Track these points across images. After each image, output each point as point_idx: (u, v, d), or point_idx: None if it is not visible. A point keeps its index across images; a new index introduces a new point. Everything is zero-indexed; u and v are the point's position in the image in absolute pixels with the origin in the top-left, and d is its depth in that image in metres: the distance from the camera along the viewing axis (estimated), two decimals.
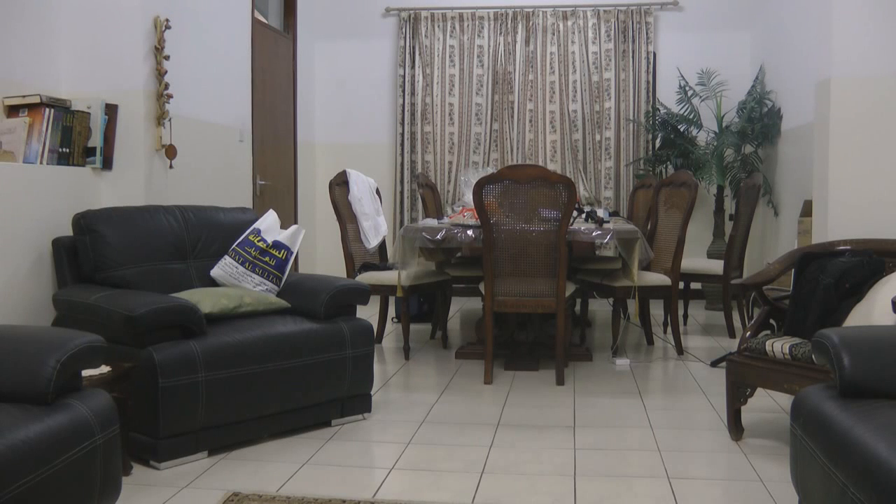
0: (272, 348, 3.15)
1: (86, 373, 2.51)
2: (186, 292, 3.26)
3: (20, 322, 3.24)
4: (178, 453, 2.93)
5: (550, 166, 6.84)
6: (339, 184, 4.99)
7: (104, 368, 2.76)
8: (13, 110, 3.52)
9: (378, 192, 5.29)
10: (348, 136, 7.31)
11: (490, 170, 5.22)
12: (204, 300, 3.17)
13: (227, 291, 3.36)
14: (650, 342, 5.16)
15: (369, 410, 3.55)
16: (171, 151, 4.03)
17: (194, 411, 2.93)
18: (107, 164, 3.81)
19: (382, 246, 5.24)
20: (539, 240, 4.13)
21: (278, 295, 3.53)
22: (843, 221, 3.75)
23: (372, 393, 3.61)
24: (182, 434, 2.92)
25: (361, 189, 5.05)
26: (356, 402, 3.48)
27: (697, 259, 5.86)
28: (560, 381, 4.13)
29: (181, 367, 2.88)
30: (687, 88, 6.59)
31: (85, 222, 3.33)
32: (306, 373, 3.24)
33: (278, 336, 3.19)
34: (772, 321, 3.37)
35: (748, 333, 3.29)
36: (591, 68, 6.93)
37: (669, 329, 5.04)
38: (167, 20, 3.94)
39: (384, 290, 4.76)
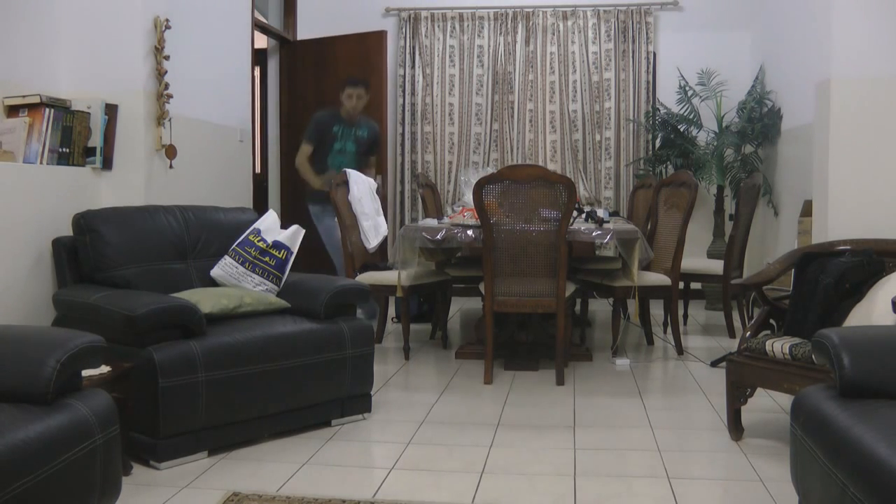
0: (272, 348, 3.15)
1: (86, 373, 2.51)
2: (186, 292, 3.27)
3: (20, 322, 3.24)
4: (178, 453, 2.92)
5: (550, 166, 6.84)
6: (339, 184, 4.99)
7: (104, 368, 2.76)
8: (13, 110, 3.52)
9: (378, 191, 5.29)
10: None
11: (490, 170, 5.22)
12: (204, 300, 3.17)
13: (227, 291, 3.36)
14: (650, 342, 5.16)
15: (369, 410, 3.55)
16: (171, 151, 4.03)
17: (194, 411, 2.92)
18: (107, 164, 3.81)
19: (383, 246, 5.24)
20: (539, 240, 4.13)
21: (278, 295, 3.53)
22: (843, 221, 3.75)
23: (372, 393, 3.61)
24: (182, 434, 2.92)
25: (361, 189, 5.05)
26: (356, 402, 3.48)
27: (697, 259, 5.86)
28: (560, 381, 4.13)
29: (181, 368, 2.87)
30: (687, 88, 6.59)
31: (85, 222, 3.33)
32: (306, 373, 3.24)
33: (278, 336, 3.19)
34: (772, 321, 3.37)
35: (748, 333, 3.29)
36: (591, 68, 6.93)
37: (669, 329, 5.04)
38: (167, 20, 3.94)
39: (384, 290, 4.76)
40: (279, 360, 3.15)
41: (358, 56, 6.81)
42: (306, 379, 3.25)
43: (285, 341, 3.20)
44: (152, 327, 2.88)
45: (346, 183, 5.01)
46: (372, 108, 6.83)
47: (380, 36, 6.79)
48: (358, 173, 5.12)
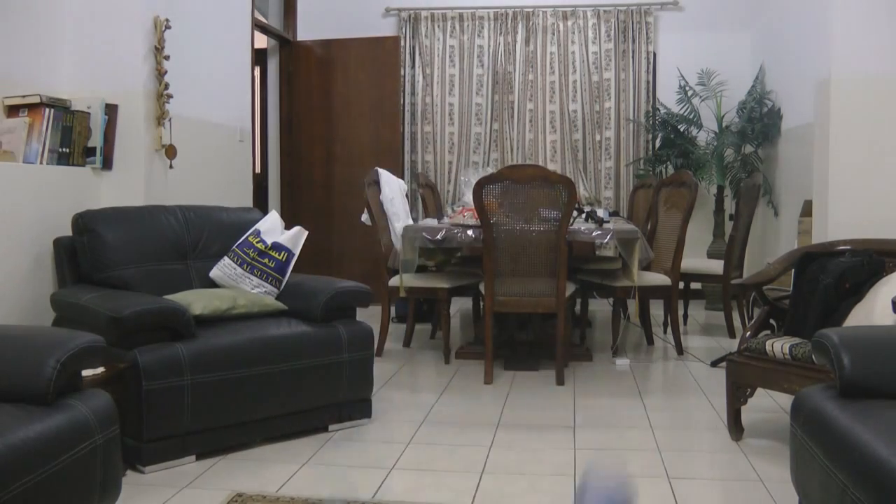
0: (262, 351, 3.10)
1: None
2: (180, 293, 3.24)
3: (20, 322, 3.24)
4: (164, 457, 2.88)
5: (550, 166, 6.83)
6: (371, 183, 4.89)
7: (99, 369, 2.75)
8: (13, 110, 3.51)
9: (407, 193, 5.23)
10: None
11: (490, 170, 5.21)
12: (196, 301, 3.14)
13: (221, 293, 3.33)
14: (650, 342, 5.16)
15: (369, 416, 3.48)
16: (171, 151, 4.03)
17: (179, 415, 2.88)
18: (107, 164, 3.81)
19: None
20: (539, 240, 4.12)
21: (278, 297, 3.51)
22: (843, 221, 3.75)
23: (372, 394, 3.59)
24: (167, 438, 2.88)
25: (393, 189, 4.98)
26: (355, 407, 3.42)
27: (697, 259, 5.86)
28: (560, 381, 4.13)
29: (166, 370, 2.84)
30: (687, 88, 6.59)
31: (83, 222, 3.32)
32: (298, 377, 3.18)
33: (269, 339, 3.15)
34: (772, 321, 3.37)
35: (748, 333, 3.29)
36: (591, 68, 6.93)
37: (669, 329, 5.04)
38: (167, 20, 3.94)
39: (421, 294, 4.71)
40: (269, 363, 3.10)
41: (369, 60, 6.83)
42: (299, 383, 3.19)
43: (276, 344, 3.15)
44: (138, 329, 2.84)
45: (377, 182, 4.96)
46: (381, 112, 6.86)
47: (394, 41, 6.83)
48: (388, 173, 5.06)
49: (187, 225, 3.61)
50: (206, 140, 4.56)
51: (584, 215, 4.84)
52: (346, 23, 7.17)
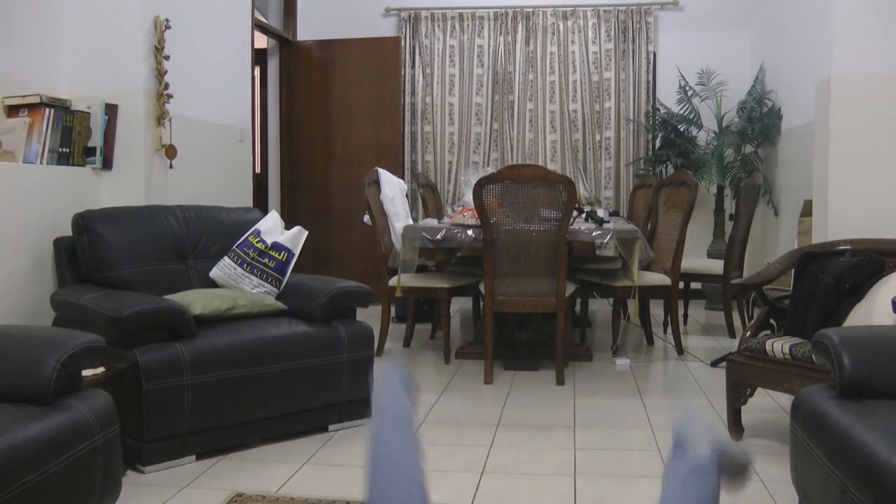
0: (262, 351, 3.10)
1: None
2: (180, 293, 3.24)
3: (20, 322, 3.24)
4: (164, 457, 2.88)
5: (550, 166, 6.83)
6: (371, 183, 4.89)
7: (99, 369, 2.75)
8: (13, 110, 3.51)
9: (407, 194, 5.22)
10: None
11: (490, 170, 5.21)
12: (196, 301, 3.14)
13: (221, 293, 3.33)
14: (650, 342, 5.16)
15: (369, 416, 3.49)
16: (171, 151, 4.03)
17: (179, 414, 2.88)
18: (107, 164, 3.81)
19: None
20: (539, 240, 4.12)
21: (278, 297, 3.51)
22: (843, 221, 3.75)
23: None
24: (167, 437, 2.88)
25: (393, 189, 4.98)
26: (356, 407, 3.40)
27: (697, 259, 5.86)
28: (560, 381, 4.13)
29: (166, 370, 2.84)
30: (687, 88, 6.59)
31: (83, 222, 3.32)
32: (298, 377, 3.18)
33: (269, 339, 3.15)
34: (772, 321, 3.37)
35: (748, 333, 3.29)
36: (591, 68, 6.93)
37: (669, 329, 5.04)
38: (167, 20, 3.94)
39: (421, 294, 4.70)
40: (269, 363, 3.10)
41: (369, 60, 6.83)
42: (299, 383, 3.19)
43: (276, 344, 3.15)
44: (138, 329, 2.84)
45: (377, 182, 4.95)
46: (381, 112, 6.86)
47: (394, 41, 6.83)
48: (388, 173, 5.04)
49: (187, 225, 3.60)
50: (206, 140, 4.56)
51: (584, 215, 4.84)
52: (346, 23, 7.16)
